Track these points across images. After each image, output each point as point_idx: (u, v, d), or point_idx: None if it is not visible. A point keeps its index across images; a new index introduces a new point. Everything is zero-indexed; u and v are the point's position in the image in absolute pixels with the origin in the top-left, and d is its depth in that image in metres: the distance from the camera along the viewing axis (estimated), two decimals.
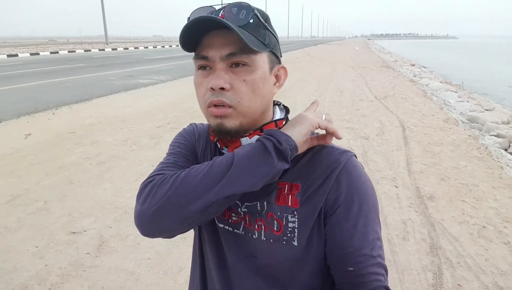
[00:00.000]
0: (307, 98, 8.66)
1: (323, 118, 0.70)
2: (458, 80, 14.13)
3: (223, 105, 0.65)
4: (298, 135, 0.65)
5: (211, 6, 0.69)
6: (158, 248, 2.61)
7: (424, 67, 20.07)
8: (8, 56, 21.83)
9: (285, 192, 0.70)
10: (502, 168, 4.27)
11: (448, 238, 2.78)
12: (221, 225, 0.75)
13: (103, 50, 29.55)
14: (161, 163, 0.75)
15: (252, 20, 0.65)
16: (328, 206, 0.68)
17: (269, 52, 0.69)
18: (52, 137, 5.38)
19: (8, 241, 2.71)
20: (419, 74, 15.21)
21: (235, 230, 0.74)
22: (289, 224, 0.69)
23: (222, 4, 0.68)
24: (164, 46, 38.60)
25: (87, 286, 2.26)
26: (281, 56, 0.75)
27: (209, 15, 0.64)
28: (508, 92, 13.45)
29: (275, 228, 0.70)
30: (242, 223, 0.73)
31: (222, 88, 0.65)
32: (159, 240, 2.30)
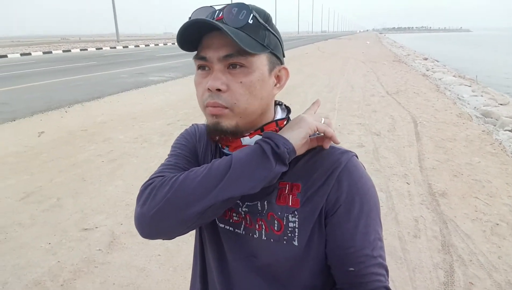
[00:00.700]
0: (317, 94, 8.60)
1: (322, 121, 0.69)
2: (472, 74, 13.86)
3: (218, 106, 0.66)
4: (296, 138, 0.65)
5: (211, 6, 0.69)
6: (168, 245, 2.64)
7: (437, 61, 19.72)
8: (21, 54, 22.19)
9: (286, 192, 0.70)
10: None
11: (461, 235, 2.74)
12: (222, 225, 0.75)
13: (115, 48, 29.83)
14: (162, 164, 0.76)
15: (251, 21, 0.65)
16: (329, 206, 0.68)
17: (269, 53, 0.68)
18: (65, 135, 5.46)
19: (22, 238, 2.77)
20: (432, 68, 14.95)
21: (235, 230, 0.74)
22: (289, 224, 0.69)
23: (223, 4, 0.68)
24: (174, 43, 38.76)
25: (98, 282, 2.29)
26: (284, 56, 0.74)
27: (204, 18, 0.63)
28: None
29: (275, 228, 0.70)
30: (243, 223, 0.73)
31: (219, 90, 0.65)
32: None
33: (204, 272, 0.82)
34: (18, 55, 21.98)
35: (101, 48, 28.58)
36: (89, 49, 27.21)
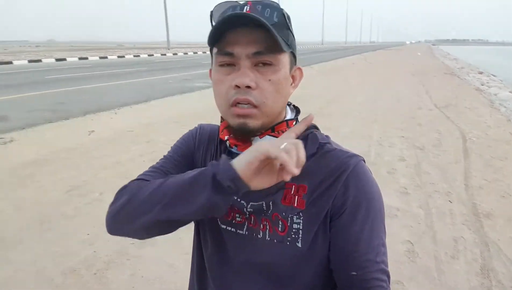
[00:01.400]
0: (360, 105, 8.43)
1: (282, 147, 0.58)
2: None
3: (248, 104, 0.64)
4: (242, 164, 0.58)
5: (235, 1, 0.67)
6: None
7: (494, 76, 18.56)
8: (79, 58, 23.80)
9: (292, 192, 0.69)
10: None
11: (503, 259, 2.55)
12: (224, 226, 0.75)
13: (165, 54, 31.10)
14: (151, 166, 0.80)
15: (277, 19, 0.64)
16: (335, 209, 0.67)
17: (290, 53, 0.69)
18: (113, 134, 5.77)
19: (64, 227, 2.96)
20: (487, 83, 14.09)
21: (238, 231, 0.73)
22: (294, 225, 0.68)
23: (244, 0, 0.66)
24: None
25: (128, 274, 2.39)
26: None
27: (248, 13, 0.62)
28: None
29: (279, 229, 0.69)
30: (246, 223, 0.72)
31: (248, 87, 0.63)
32: None
33: (202, 273, 0.81)
34: (76, 59, 23.60)
35: (152, 55, 29.91)
36: (141, 56, 28.57)
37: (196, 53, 35.38)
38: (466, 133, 5.96)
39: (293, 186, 0.69)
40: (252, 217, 0.71)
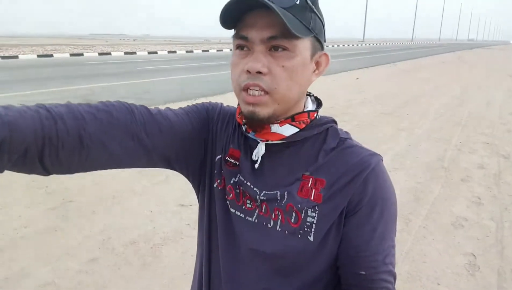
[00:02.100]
0: (444, 106, 7.80)
1: None
2: None
3: (258, 89, 0.62)
4: None
5: None
6: None
7: None
8: (168, 52, 25.64)
9: (309, 185, 0.67)
10: None
11: None
12: (233, 210, 0.72)
13: None
14: (145, 106, 0.70)
15: (298, 1, 0.60)
16: (351, 206, 0.65)
17: (312, 38, 0.64)
18: None
19: (131, 203, 3.27)
20: None
21: (247, 217, 0.70)
22: (308, 218, 0.66)
23: None
24: None
25: (180, 251, 2.57)
26: (324, 41, 0.70)
27: None
28: None
29: (292, 220, 0.67)
30: (257, 211, 0.69)
31: (259, 72, 0.61)
32: None
33: (208, 258, 0.78)
34: (166, 52, 25.45)
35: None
36: (224, 50, 29.72)
37: None
38: None
39: (310, 178, 0.67)
40: (264, 205, 0.69)
